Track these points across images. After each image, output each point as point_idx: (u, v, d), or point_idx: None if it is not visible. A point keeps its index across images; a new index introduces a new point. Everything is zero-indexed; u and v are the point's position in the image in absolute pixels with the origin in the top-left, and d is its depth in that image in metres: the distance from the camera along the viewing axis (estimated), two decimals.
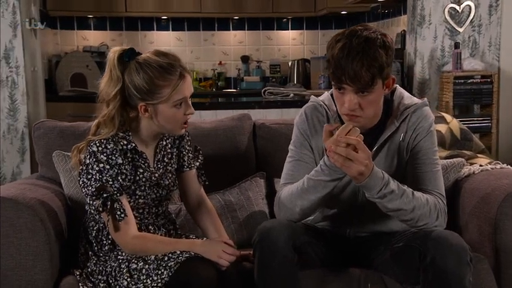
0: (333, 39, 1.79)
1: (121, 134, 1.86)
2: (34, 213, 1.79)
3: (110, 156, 1.80)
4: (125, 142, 1.86)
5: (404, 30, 4.19)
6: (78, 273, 1.88)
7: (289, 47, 5.86)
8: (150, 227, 1.95)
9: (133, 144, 1.87)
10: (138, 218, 1.92)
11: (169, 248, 1.79)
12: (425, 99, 1.97)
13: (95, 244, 1.89)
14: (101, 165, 1.79)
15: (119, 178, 1.81)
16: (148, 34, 5.63)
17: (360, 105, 1.78)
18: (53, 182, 2.16)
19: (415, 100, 1.95)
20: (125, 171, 1.84)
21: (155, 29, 5.63)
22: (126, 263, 1.80)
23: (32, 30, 4.43)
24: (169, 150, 2.00)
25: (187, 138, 2.06)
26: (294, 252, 1.75)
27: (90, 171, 1.79)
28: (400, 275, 1.86)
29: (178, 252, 1.77)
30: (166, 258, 1.76)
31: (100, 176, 1.79)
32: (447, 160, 2.31)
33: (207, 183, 2.10)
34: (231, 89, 5.73)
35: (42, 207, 1.85)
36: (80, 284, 1.82)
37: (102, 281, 1.82)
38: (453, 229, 2.17)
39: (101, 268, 1.84)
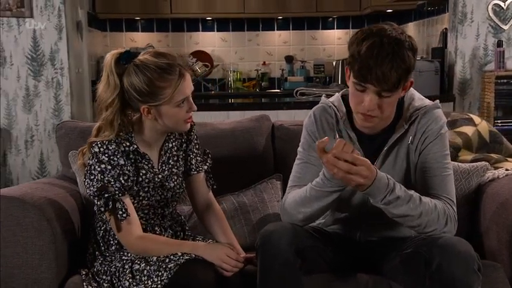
0: (359, 36, 1.73)
1: (124, 136, 1.87)
2: (40, 212, 1.83)
3: (111, 157, 1.83)
4: (128, 143, 1.87)
5: (446, 29, 4.07)
6: (84, 272, 1.90)
7: (334, 47, 5.80)
8: (156, 228, 1.96)
9: (135, 146, 1.88)
10: (144, 219, 1.94)
11: (173, 250, 1.80)
12: (437, 101, 1.91)
13: (102, 244, 1.92)
14: (103, 165, 1.82)
15: (121, 179, 1.83)
16: (194, 35, 5.70)
17: (378, 106, 1.74)
18: (72, 182, 2.21)
19: (426, 102, 1.90)
20: (127, 172, 1.85)
21: (200, 29, 5.69)
22: (130, 264, 1.82)
23: (78, 33, 4.57)
24: (175, 153, 2.00)
25: (196, 141, 2.06)
26: (296, 256, 1.73)
27: (93, 171, 1.83)
28: (408, 281, 1.80)
29: (180, 254, 1.78)
30: (167, 260, 1.77)
31: (102, 177, 1.81)
32: (469, 164, 2.23)
33: (215, 186, 2.10)
34: (274, 89, 5.72)
35: (50, 206, 1.88)
36: (84, 284, 1.85)
37: (106, 281, 1.84)
38: (474, 236, 2.11)
39: (106, 268, 1.87)
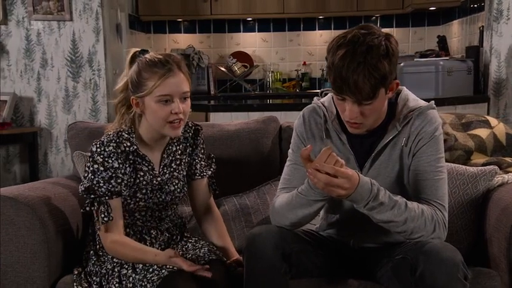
0: (335, 44, 1.71)
1: (125, 136, 1.89)
2: (33, 212, 1.87)
3: (106, 159, 1.85)
4: (128, 144, 1.89)
5: (483, 26, 3.92)
6: (76, 272, 1.92)
7: None
8: (152, 231, 1.96)
9: (136, 147, 1.90)
10: (140, 221, 1.95)
11: (140, 256, 1.81)
12: (433, 102, 1.85)
13: (97, 243, 1.93)
14: (96, 166, 1.85)
15: (112, 181, 1.85)
16: (235, 36, 5.73)
17: (361, 113, 1.71)
18: (79, 181, 2.26)
19: (421, 103, 1.84)
20: (120, 175, 1.86)
21: (241, 30, 5.72)
22: (119, 267, 1.83)
23: (118, 35, 4.70)
24: (178, 157, 2.00)
25: (202, 146, 2.06)
26: (282, 259, 1.72)
27: (87, 169, 1.86)
28: None
29: (162, 265, 1.78)
30: (151, 270, 1.78)
31: (92, 177, 1.84)
32: (477, 168, 2.14)
33: (217, 192, 2.10)
34: (315, 89, 5.67)
35: (44, 206, 1.92)
36: (74, 284, 1.87)
37: (95, 283, 1.85)
38: (479, 243, 2.04)
39: (97, 269, 1.88)
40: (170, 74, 1.83)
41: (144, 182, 1.92)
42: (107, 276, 1.84)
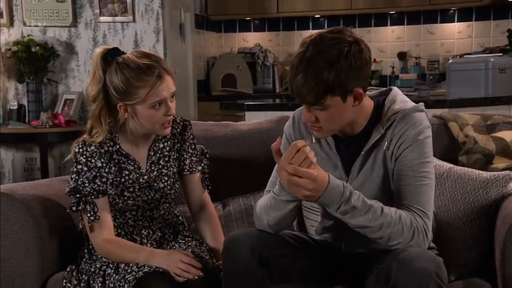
0: (295, 53, 1.69)
1: (108, 136, 1.89)
2: (27, 208, 1.91)
3: (89, 159, 1.87)
4: (111, 143, 1.90)
5: None
6: (69, 269, 1.93)
7: (454, 41, 5.41)
8: (144, 230, 1.97)
9: (118, 146, 1.91)
10: (132, 220, 1.96)
11: (131, 255, 1.82)
12: (421, 104, 1.75)
13: (90, 242, 1.94)
14: (79, 166, 1.87)
15: (97, 181, 1.86)
16: (304, 33, 5.66)
17: (315, 117, 1.67)
18: None
19: (408, 105, 1.74)
20: (105, 174, 1.88)
21: (310, 27, 5.65)
22: (104, 267, 1.86)
23: (181, 35, 4.81)
24: (166, 153, 1.99)
25: (191, 141, 2.03)
26: (259, 263, 1.68)
27: (72, 170, 1.89)
28: None
29: (140, 266, 1.79)
30: (129, 271, 1.78)
31: (77, 177, 1.87)
32: (490, 173, 1.99)
33: (210, 187, 2.07)
34: (385, 87, 5.48)
35: (39, 203, 1.96)
36: (64, 281, 1.90)
37: (83, 281, 1.87)
38: (488, 252, 1.91)
39: (87, 267, 1.90)
40: (161, 80, 1.82)
41: (130, 181, 1.92)
42: (93, 276, 1.87)
